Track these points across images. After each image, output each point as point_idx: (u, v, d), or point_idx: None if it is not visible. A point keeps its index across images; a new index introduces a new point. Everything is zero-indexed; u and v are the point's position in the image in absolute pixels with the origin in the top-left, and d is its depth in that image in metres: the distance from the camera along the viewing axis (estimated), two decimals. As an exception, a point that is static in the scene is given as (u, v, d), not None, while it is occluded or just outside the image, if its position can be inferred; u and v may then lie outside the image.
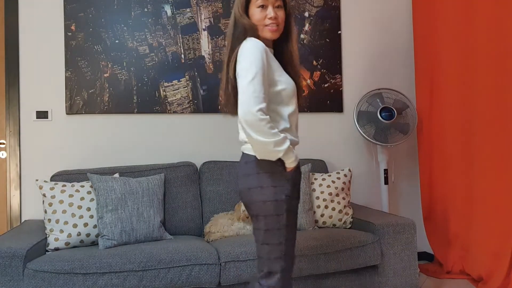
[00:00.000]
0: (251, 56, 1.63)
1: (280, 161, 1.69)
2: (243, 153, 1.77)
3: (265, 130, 1.59)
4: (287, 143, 1.66)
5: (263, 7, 1.72)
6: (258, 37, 1.75)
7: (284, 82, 1.75)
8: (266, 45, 1.79)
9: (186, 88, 3.21)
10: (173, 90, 3.18)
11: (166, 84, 3.17)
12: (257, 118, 1.57)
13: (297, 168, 1.79)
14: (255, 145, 1.63)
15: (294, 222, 1.75)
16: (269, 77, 1.70)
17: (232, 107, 1.80)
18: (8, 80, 2.96)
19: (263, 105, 1.60)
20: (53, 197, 2.50)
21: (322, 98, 3.47)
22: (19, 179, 2.96)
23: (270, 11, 1.72)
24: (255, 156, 1.70)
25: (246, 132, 1.61)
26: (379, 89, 3.44)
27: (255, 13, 1.73)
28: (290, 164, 1.70)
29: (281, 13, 1.76)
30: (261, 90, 1.60)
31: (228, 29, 1.79)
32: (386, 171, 3.42)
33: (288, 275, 1.73)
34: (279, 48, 1.87)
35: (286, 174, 1.71)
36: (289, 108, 1.77)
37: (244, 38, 1.72)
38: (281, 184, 1.69)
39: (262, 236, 1.68)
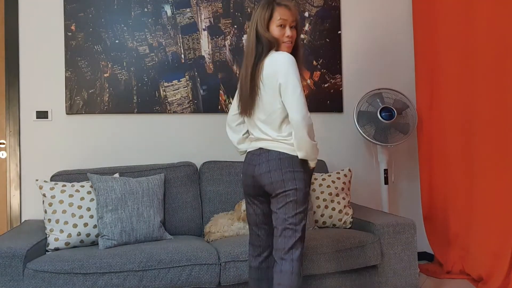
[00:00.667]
0: (294, 69, 1.90)
1: (305, 161, 1.97)
2: (272, 150, 1.97)
3: (313, 133, 1.92)
4: None
5: (281, 26, 1.98)
6: (278, 50, 2.00)
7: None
8: None
9: (186, 88, 3.21)
10: (173, 90, 3.18)
11: (166, 84, 3.17)
12: (311, 122, 1.90)
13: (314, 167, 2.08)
14: (306, 145, 1.90)
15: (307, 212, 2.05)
16: None
17: (250, 108, 2.01)
18: (8, 80, 2.96)
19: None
20: (53, 197, 2.50)
21: (322, 98, 3.47)
22: (19, 179, 2.96)
23: (288, 30, 1.99)
24: (288, 154, 1.95)
25: (300, 134, 1.88)
26: (379, 89, 3.44)
27: (275, 30, 1.98)
28: (314, 163, 2.00)
29: (294, 32, 2.02)
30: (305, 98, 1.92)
31: (249, 41, 2.01)
32: (386, 171, 3.42)
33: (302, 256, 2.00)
34: None
35: (309, 172, 2.01)
36: None
37: (269, 50, 1.97)
38: (307, 178, 1.99)
39: (290, 219, 1.94)
